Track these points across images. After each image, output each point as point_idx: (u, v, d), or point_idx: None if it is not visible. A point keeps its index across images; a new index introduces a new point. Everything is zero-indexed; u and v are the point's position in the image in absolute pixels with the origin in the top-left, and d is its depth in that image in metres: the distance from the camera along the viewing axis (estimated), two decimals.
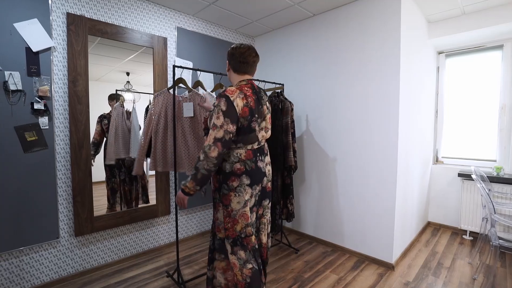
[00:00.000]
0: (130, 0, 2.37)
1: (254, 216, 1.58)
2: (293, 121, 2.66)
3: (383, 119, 2.35)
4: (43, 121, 1.94)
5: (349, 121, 2.58)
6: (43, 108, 1.91)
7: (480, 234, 2.58)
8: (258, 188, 1.56)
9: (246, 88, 1.52)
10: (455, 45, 3.14)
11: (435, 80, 3.33)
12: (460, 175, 3.01)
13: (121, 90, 2.42)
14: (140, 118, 2.48)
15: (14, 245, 1.86)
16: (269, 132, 1.66)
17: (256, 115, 1.51)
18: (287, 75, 3.11)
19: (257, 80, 2.03)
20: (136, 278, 2.18)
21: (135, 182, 2.56)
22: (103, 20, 2.21)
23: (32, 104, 1.87)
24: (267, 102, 1.64)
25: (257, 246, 1.56)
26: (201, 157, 1.40)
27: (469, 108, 3.17)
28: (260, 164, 1.56)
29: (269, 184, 1.67)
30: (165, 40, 2.58)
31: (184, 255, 2.58)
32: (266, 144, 1.68)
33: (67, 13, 2.02)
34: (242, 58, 1.55)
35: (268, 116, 1.63)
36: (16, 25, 1.81)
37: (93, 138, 2.24)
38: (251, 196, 1.52)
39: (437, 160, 3.41)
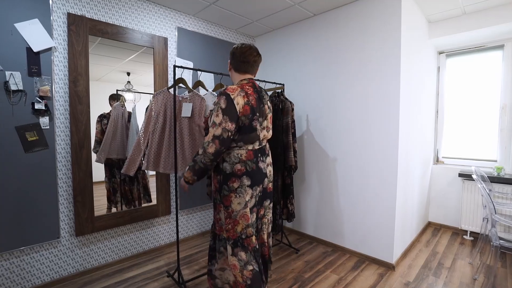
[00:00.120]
0: (130, 0, 2.37)
1: (254, 216, 1.57)
2: (293, 121, 2.66)
3: (384, 119, 2.35)
4: (44, 121, 1.94)
5: (350, 121, 2.58)
6: (43, 108, 1.92)
7: (481, 234, 2.57)
8: (258, 189, 1.55)
9: (247, 87, 1.51)
10: (455, 45, 3.14)
11: (436, 80, 3.33)
12: (460, 175, 3.01)
13: (122, 90, 2.42)
14: (140, 118, 2.47)
15: (15, 245, 1.86)
16: (271, 132, 1.64)
17: (258, 114, 1.50)
18: (287, 75, 3.11)
19: (258, 80, 2.03)
20: (136, 278, 2.18)
21: (136, 182, 2.56)
22: (104, 20, 2.22)
23: (33, 104, 1.88)
24: (268, 102, 1.62)
25: (258, 246, 1.55)
26: (200, 151, 1.44)
27: (469, 108, 3.16)
28: (261, 165, 1.55)
29: (270, 185, 1.66)
30: (165, 40, 2.58)
31: (185, 255, 2.58)
32: (267, 144, 1.67)
33: (67, 13, 2.03)
34: (243, 58, 1.54)
35: (270, 115, 1.62)
36: (17, 25, 1.81)
37: (96, 137, 2.25)
38: (251, 197, 1.51)
39: (437, 160, 3.40)
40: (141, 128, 2.21)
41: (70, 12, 2.05)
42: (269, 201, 1.66)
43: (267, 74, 3.32)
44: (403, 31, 2.25)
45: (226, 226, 1.52)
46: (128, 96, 2.45)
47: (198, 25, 2.90)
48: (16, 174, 1.84)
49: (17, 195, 1.86)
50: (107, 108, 2.35)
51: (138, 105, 2.48)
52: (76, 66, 2.07)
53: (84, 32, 2.09)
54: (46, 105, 1.93)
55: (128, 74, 2.48)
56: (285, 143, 2.58)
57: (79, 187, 2.12)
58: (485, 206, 2.36)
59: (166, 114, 2.19)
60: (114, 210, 2.41)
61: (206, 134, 1.63)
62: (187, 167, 1.50)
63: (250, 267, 1.48)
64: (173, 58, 2.69)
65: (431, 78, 3.19)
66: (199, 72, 2.65)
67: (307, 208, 2.99)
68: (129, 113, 2.44)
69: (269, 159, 1.65)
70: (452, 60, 3.27)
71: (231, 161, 1.48)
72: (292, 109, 2.64)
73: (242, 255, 1.49)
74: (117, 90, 2.41)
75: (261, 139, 1.55)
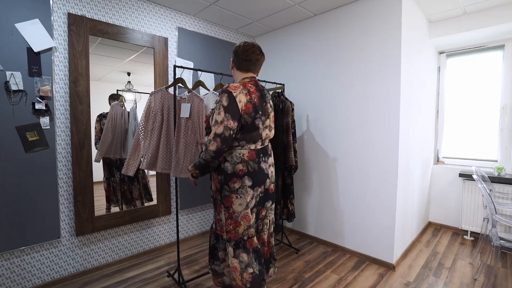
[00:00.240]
0: (131, 0, 2.37)
1: (254, 217, 1.55)
2: (293, 121, 2.66)
3: (384, 119, 2.35)
4: (44, 121, 1.94)
5: (350, 121, 2.58)
6: (44, 108, 1.92)
7: (481, 234, 2.57)
8: (260, 189, 1.53)
9: (249, 85, 1.49)
10: (456, 45, 3.13)
11: (436, 80, 3.33)
12: (461, 175, 3.01)
13: (122, 90, 2.43)
14: (140, 118, 2.47)
15: (15, 244, 1.86)
16: (273, 132, 1.62)
17: (260, 112, 1.48)
18: (287, 75, 3.11)
19: (258, 80, 2.03)
20: (136, 278, 2.19)
21: (136, 181, 2.56)
22: (104, 21, 2.22)
23: (33, 104, 1.88)
24: (270, 101, 1.60)
25: (259, 246, 1.54)
26: (203, 148, 1.43)
27: (470, 108, 3.16)
28: (263, 165, 1.53)
29: (272, 186, 1.64)
30: (166, 40, 2.58)
31: (185, 255, 2.58)
32: (269, 145, 1.64)
33: (68, 13, 2.03)
34: (245, 56, 1.52)
35: (272, 114, 1.60)
36: (17, 25, 1.81)
37: (96, 136, 2.25)
38: (252, 198, 1.49)
39: (438, 160, 3.40)
40: (140, 127, 2.18)
41: (71, 12, 2.05)
42: (271, 202, 1.64)
43: (268, 74, 3.32)
44: (403, 31, 2.25)
45: (227, 227, 1.49)
46: (128, 96, 2.45)
47: (199, 25, 2.90)
48: (16, 174, 1.85)
49: (18, 195, 1.86)
50: (107, 108, 2.36)
51: (138, 105, 2.48)
52: (76, 66, 2.07)
53: (84, 32, 2.09)
54: (46, 105, 1.93)
55: (129, 74, 2.48)
56: (285, 143, 2.58)
57: (80, 187, 2.12)
58: (486, 206, 2.36)
59: (163, 113, 2.18)
60: (113, 210, 2.41)
61: (207, 133, 1.61)
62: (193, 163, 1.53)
63: (251, 270, 1.46)
64: (173, 58, 2.69)
65: (432, 78, 3.19)
66: (199, 72, 2.65)
67: (307, 208, 2.99)
68: (129, 113, 2.44)
69: (271, 160, 1.62)
70: (453, 60, 3.27)
71: (233, 161, 1.45)
72: (292, 109, 2.64)
73: (244, 257, 1.47)
74: (117, 90, 2.41)
75: (263, 138, 1.53)
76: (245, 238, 1.48)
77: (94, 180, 2.21)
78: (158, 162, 2.14)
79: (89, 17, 2.14)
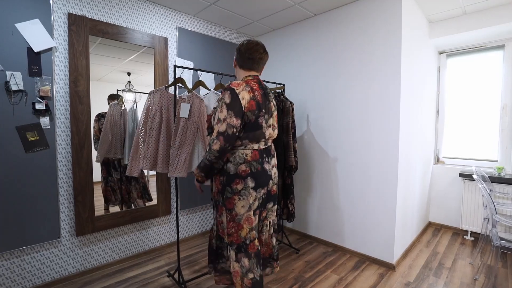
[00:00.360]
0: (131, 0, 2.38)
1: (257, 219, 1.52)
2: (293, 121, 2.66)
3: (384, 119, 2.35)
4: (45, 121, 1.94)
5: (350, 121, 2.58)
6: (44, 108, 1.92)
7: (481, 234, 2.57)
8: (263, 191, 1.48)
9: (252, 82, 1.45)
10: (456, 45, 3.13)
11: (436, 80, 3.33)
12: (461, 175, 3.01)
13: (122, 90, 2.43)
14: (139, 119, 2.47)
15: (15, 244, 1.86)
16: (276, 131, 1.58)
17: (264, 110, 1.44)
18: (288, 75, 3.11)
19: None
20: (136, 278, 2.19)
21: (134, 181, 2.55)
22: (104, 21, 2.22)
23: (33, 104, 1.88)
24: (273, 100, 1.57)
25: (259, 249, 1.50)
26: (207, 148, 1.39)
27: (470, 108, 3.16)
28: (266, 166, 1.49)
29: (275, 187, 1.59)
30: (166, 40, 2.58)
31: (185, 255, 2.58)
32: (272, 145, 1.60)
33: (68, 13, 2.03)
34: (248, 54, 1.48)
35: (275, 114, 1.56)
36: (17, 25, 1.81)
37: (95, 136, 2.25)
38: (254, 200, 1.45)
39: (438, 160, 3.40)
40: (139, 127, 2.17)
41: (71, 12, 2.05)
42: (272, 204, 1.60)
43: (268, 74, 3.32)
44: (403, 31, 2.25)
45: (228, 230, 1.44)
46: (128, 96, 2.45)
47: (199, 25, 2.90)
48: (16, 174, 1.85)
49: (18, 195, 1.86)
50: (107, 108, 2.35)
51: (138, 105, 2.48)
52: (76, 66, 2.07)
53: (84, 32, 2.09)
54: (46, 105, 1.93)
55: (129, 74, 2.48)
56: (285, 143, 2.58)
57: (80, 187, 2.12)
58: (486, 206, 2.36)
59: (162, 113, 2.17)
60: (112, 210, 2.41)
61: (209, 133, 1.56)
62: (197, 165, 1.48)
63: (251, 275, 1.42)
64: (173, 58, 2.69)
65: (432, 78, 3.18)
66: (199, 72, 2.65)
67: (307, 208, 2.99)
68: (128, 113, 2.43)
69: (274, 161, 1.58)
70: (453, 60, 3.27)
71: (236, 162, 1.41)
72: (293, 109, 2.64)
73: (245, 262, 1.43)
74: (117, 90, 2.41)
75: (266, 137, 1.49)
76: (247, 242, 1.43)
77: (94, 180, 2.21)
78: (158, 162, 2.14)
79: (89, 17, 2.14)
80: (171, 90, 2.19)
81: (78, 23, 2.06)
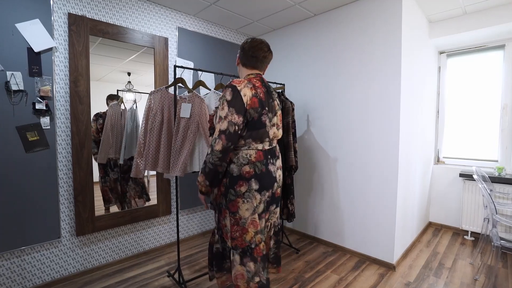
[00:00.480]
0: (131, 0, 2.38)
1: (263, 222, 1.48)
2: (294, 121, 2.66)
3: (384, 119, 2.35)
4: (45, 121, 1.94)
5: (350, 121, 2.58)
6: (44, 108, 1.92)
7: (482, 234, 2.57)
8: (267, 194, 1.43)
9: (255, 80, 1.42)
10: (456, 45, 3.13)
11: (436, 80, 3.33)
12: (461, 175, 3.01)
13: (122, 90, 2.43)
14: (141, 118, 2.47)
15: (15, 244, 1.86)
16: (281, 131, 1.53)
17: (267, 108, 1.40)
18: (288, 75, 3.11)
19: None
20: (137, 278, 2.19)
21: (131, 181, 2.54)
22: (104, 21, 2.22)
23: (33, 104, 1.88)
24: (277, 99, 1.52)
25: (265, 252, 1.45)
26: (209, 150, 1.32)
27: (470, 108, 3.16)
28: (271, 167, 1.43)
29: (279, 190, 1.54)
30: (166, 40, 2.58)
31: (185, 255, 2.58)
32: (277, 146, 1.56)
33: (68, 13, 2.03)
34: (252, 52, 1.44)
35: (279, 113, 1.51)
36: (18, 25, 1.82)
37: (92, 136, 2.24)
38: (259, 202, 1.40)
39: (438, 160, 3.40)
40: (141, 128, 2.18)
41: (71, 12, 2.05)
42: (274, 206, 1.55)
43: (268, 74, 3.32)
44: (403, 31, 2.25)
45: (233, 234, 1.39)
46: (128, 96, 2.45)
47: (199, 25, 2.90)
48: (17, 174, 1.85)
49: (18, 195, 1.86)
50: (106, 108, 2.35)
51: (139, 105, 2.48)
52: (76, 66, 2.07)
53: (84, 32, 2.09)
54: (47, 105, 1.94)
55: (129, 74, 2.48)
56: (285, 143, 2.58)
57: (80, 187, 2.12)
58: (486, 206, 2.36)
59: (163, 113, 2.17)
60: (112, 210, 2.40)
61: (211, 134, 1.51)
62: (200, 171, 1.37)
63: (257, 279, 1.39)
64: (173, 58, 2.70)
65: (432, 78, 3.18)
66: (199, 72, 2.65)
67: (307, 208, 2.99)
68: (128, 113, 2.43)
69: (279, 163, 1.52)
70: (453, 60, 3.27)
71: (239, 163, 1.36)
72: (293, 109, 2.64)
73: (251, 266, 1.38)
74: (117, 90, 2.41)
75: (271, 137, 1.44)
76: (253, 246, 1.38)
77: (94, 180, 2.21)
78: (159, 162, 2.14)
79: (90, 17, 2.14)
80: (171, 90, 2.19)
81: (78, 23, 2.06)
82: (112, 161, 2.41)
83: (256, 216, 1.40)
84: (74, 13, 2.06)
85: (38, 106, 1.89)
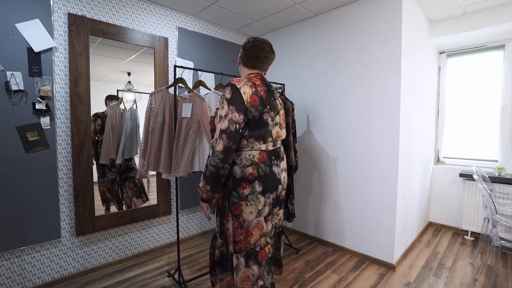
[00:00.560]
0: (131, 0, 2.38)
1: (270, 225, 1.45)
2: (294, 121, 2.65)
3: (384, 119, 2.35)
4: (45, 121, 1.94)
5: (350, 121, 2.58)
6: (44, 108, 1.92)
7: (482, 234, 2.57)
8: (272, 196, 1.40)
9: (255, 79, 1.40)
10: (456, 45, 3.13)
11: (437, 80, 3.33)
12: (461, 175, 3.01)
13: (122, 90, 2.43)
14: (141, 118, 2.46)
15: (15, 244, 1.86)
16: (284, 131, 1.49)
17: (268, 107, 1.37)
18: (288, 75, 3.11)
19: None
20: (137, 278, 2.19)
21: (129, 181, 2.53)
22: (105, 21, 2.22)
23: (33, 104, 1.88)
24: (279, 98, 1.50)
25: (270, 255, 1.41)
26: (210, 152, 1.28)
27: (470, 108, 3.16)
28: (275, 169, 1.40)
29: (283, 193, 1.50)
30: (166, 40, 2.58)
31: (185, 255, 2.58)
32: (282, 147, 1.52)
33: (68, 13, 2.03)
34: (253, 52, 1.41)
35: (282, 112, 1.48)
36: (18, 25, 1.82)
37: (92, 137, 2.24)
38: (264, 205, 1.37)
39: (438, 160, 3.40)
40: (144, 129, 2.18)
41: (71, 12, 2.05)
42: (278, 208, 1.52)
43: (268, 74, 3.31)
44: (403, 31, 2.25)
45: (236, 237, 1.36)
46: (128, 96, 2.45)
47: (199, 25, 2.90)
48: (17, 174, 1.85)
49: (18, 195, 1.86)
50: (105, 108, 2.35)
51: (139, 105, 2.48)
52: (76, 66, 2.07)
53: (84, 32, 2.09)
54: (47, 105, 1.94)
55: (129, 74, 2.48)
56: (286, 143, 2.58)
57: (80, 187, 2.12)
58: (486, 206, 2.36)
59: (165, 113, 2.17)
60: (112, 210, 2.40)
61: (213, 136, 1.47)
62: (202, 176, 1.32)
63: (261, 283, 1.35)
64: (173, 58, 2.70)
65: (432, 78, 3.18)
66: (199, 72, 2.65)
67: (307, 208, 2.99)
68: (127, 113, 2.43)
69: (283, 164, 1.48)
70: (453, 60, 3.27)
71: (242, 164, 1.32)
72: (293, 109, 2.64)
73: (255, 269, 1.35)
74: (117, 90, 2.41)
75: (274, 136, 1.41)
76: (257, 249, 1.35)
77: (94, 180, 2.21)
78: (161, 163, 2.14)
79: (90, 17, 2.14)
80: (171, 90, 2.19)
81: (78, 23, 2.06)
82: (110, 161, 2.40)
83: (261, 218, 1.37)
84: (74, 13, 2.06)
85: (38, 106, 1.89)
